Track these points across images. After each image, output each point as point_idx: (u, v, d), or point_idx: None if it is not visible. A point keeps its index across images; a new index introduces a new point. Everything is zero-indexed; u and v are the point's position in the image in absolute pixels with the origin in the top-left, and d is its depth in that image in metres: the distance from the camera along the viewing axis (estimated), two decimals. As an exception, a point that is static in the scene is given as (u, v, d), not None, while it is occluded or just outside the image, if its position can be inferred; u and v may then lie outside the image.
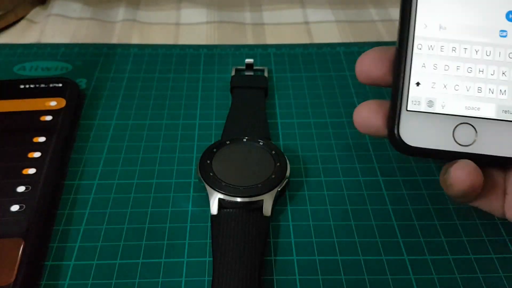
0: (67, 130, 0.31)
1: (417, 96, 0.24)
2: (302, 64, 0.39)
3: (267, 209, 0.26)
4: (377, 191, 0.29)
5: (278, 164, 0.28)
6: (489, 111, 0.24)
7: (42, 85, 0.34)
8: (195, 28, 0.45)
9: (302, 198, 0.29)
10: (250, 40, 0.44)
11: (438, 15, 0.25)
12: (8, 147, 0.29)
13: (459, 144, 0.24)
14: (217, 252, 0.24)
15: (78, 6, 0.47)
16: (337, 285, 0.24)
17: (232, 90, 0.36)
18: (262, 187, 0.27)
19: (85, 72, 0.38)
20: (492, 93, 0.24)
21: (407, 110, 0.24)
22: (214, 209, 0.26)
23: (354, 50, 0.41)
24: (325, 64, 0.39)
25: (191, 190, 0.29)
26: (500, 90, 0.24)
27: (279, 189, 0.27)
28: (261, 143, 0.30)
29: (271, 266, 0.25)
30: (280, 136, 0.33)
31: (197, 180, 0.29)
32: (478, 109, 0.24)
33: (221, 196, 0.26)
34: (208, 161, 0.28)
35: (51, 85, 0.34)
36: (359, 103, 0.28)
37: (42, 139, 0.29)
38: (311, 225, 0.27)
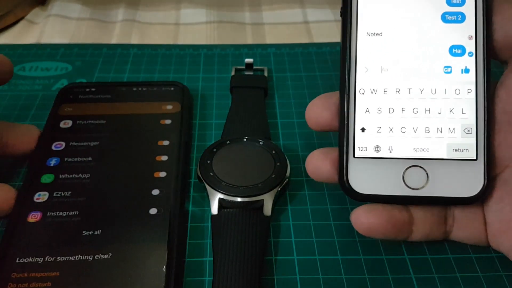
0: (187, 133, 0.31)
1: (363, 142, 0.23)
2: (302, 64, 0.40)
3: (267, 209, 0.26)
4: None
5: (278, 164, 0.28)
6: (439, 151, 0.23)
7: (155, 88, 0.34)
8: (194, 28, 0.45)
9: (303, 198, 0.29)
10: (249, 40, 0.44)
11: (379, 57, 0.24)
12: (137, 150, 0.29)
13: (410, 188, 0.23)
14: (217, 252, 0.24)
15: (78, 6, 0.47)
16: (338, 284, 0.24)
17: (232, 90, 0.36)
18: (262, 187, 0.27)
19: (85, 73, 0.38)
20: (441, 132, 0.23)
21: (354, 157, 0.23)
22: (214, 209, 0.26)
23: (353, 49, 0.41)
24: (325, 64, 0.39)
25: (191, 190, 0.29)
26: (449, 128, 0.23)
27: (279, 189, 0.27)
28: (261, 143, 0.30)
29: (271, 266, 0.25)
30: (280, 135, 0.33)
31: (197, 180, 0.29)
32: (428, 150, 0.23)
33: (221, 196, 0.26)
34: (208, 161, 0.28)
35: (163, 89, 0.34)
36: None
37: (166, 142, 0.30)
38: (312, 224, 0.27)
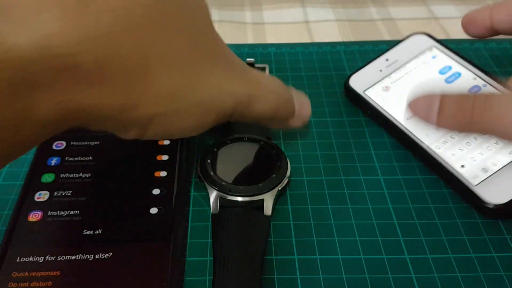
0: None
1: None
2: (303, 63, 0.39)
3: (267, 208, 0.26)
4: (378, 190, 0.29)
5: (278, 163, 0.28)
6: None
7: None
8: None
9: (303, 197, 0.29)
10: (250, 39, 0.43)
11: None
12: (137, 150, 0.29)
13: None
14: (217, 251, 0.24)
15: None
16: (338, 284, 0.24)
17: None
18: (262, 187, 0.27)
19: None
20: None
21: (475, 186, 0.27)
22: (214, 208, 0.26)
23: (354, 49, 0.41)
24: (325, 63, 0.39)
25: (192, 190, 0.29)
26: None
27: (279, 188, 0.27)
28: (262, 143, 0.30)
29: (272, 265, 0.25)
30: (281, 135, 0.33)
31: (197, 179, 0.29)
32: None
33: (222, 195, 0.26)
34: (209, 161, 0.28)
35: None
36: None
37: (167, 141, 0.30)
38: (312, 224, 0.27)
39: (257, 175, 0.28)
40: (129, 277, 0.23)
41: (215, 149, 0.29)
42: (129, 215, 0.26)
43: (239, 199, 0.26)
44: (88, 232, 0.25)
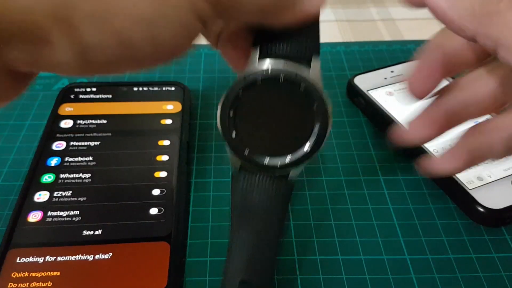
0: (188, 133, 0.31)
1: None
2: (303, 64, 0.39)
3: (293, 177, 0.23)
4: (378, 190, 0.29)
5: (316, 126, 0.22)
6: None
7: (155, 88, 0.34)
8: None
9: (303, 198, 0.29)
10: (250, 39, 0.43)
11: None
12: (137, 150, 0.29)
13: None
14: (235, 215, 0.22)
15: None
16: (339, 284, 0.24)
17: None
18: (292, 161, 0.22)
19: (86, 72, 0.38)
20: None
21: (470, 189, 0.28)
22: (234, 168, 0.22)
23: (354, 49, 0.41)
24: (325, 64, 0.39)
25: (192, 190, 0.29)
26: None
27: (310, 159, 0.22)
28: (303, 86, 0.21)
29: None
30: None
31: (197, 179, 0.29)
32: None
33: (243, 162, 0.22)
34: (232, 113, 0.22)
35: (164, 88, 0.34)
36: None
37: (166, 142, 0.30)
38: (312, 224, 0.27)
39: (288, 142, 0.22)
40: (129, 277, 0.23)
41: (241, 93, 0.22)
42: (129, 216, 0.26)
43: (264, 170, 0.22)
44: (88, 233, 0.25)
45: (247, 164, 0.22)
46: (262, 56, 0.21)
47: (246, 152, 0.22)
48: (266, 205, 0.22)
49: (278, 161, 0.22)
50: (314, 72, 0.22)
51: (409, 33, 0.44)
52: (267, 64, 0.21)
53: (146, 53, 0.16)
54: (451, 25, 0.20)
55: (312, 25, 0.22)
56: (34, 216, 0.25)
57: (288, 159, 0.22)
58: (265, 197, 0.22)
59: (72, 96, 0.33)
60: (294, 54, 0.21)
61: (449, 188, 0.28)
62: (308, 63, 0.22)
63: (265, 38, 0.21)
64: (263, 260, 0.21)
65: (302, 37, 0.22)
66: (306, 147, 0.22)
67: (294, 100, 0.22)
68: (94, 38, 0.15)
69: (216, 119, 0.22)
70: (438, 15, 0.21)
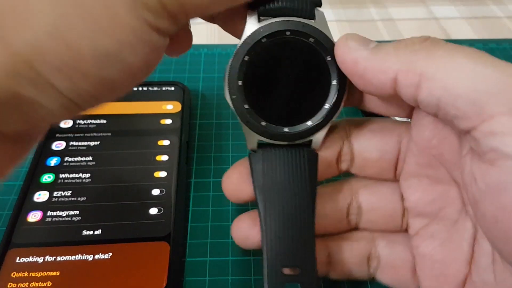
0: (187, 133, 0.31)
1: None
2: (303, 64, 0.39)
3: (316, 144, 0.21)
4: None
5: (334, 81, 0.20)
6: None
7: (155, 88, 0.34)
8: (195, 27, 0.45)
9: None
10: (250, 39, 0.43)
11: None
12: (137, 150, 0.29)
13: None
14: (262, 199, 0.20)
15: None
16: (340, 284, 0.24)
17: None
18: (313, 127, 0.20)
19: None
20: None
21: None
22: (252, 146, 0.21)
23: (354, 49, 0.41)
24: (325, 64, 0.39)
25: (192, 190, 0.29)
26: None
27: (333, 120, 0.21)
28: (312, 40, 0.19)
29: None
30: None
31: (197, 179, 0.29)
32: None
33: (260, 138, 0.21)
34: (240, 82, 0.20)
35: (163, 88, 0.34)
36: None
37: (166, 142, 0.30)
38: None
39: (306, 106, 0.20)
40: (128, 277, 0.23)
41: (247, 58, 0.20)
42: (128, 216, 0.26)
43: (283, 143, 0.21)
44: (87, 233, 0.25)
45: (265, 137, 0.20)
46: (262, 18, 0.20)
47: (263, 123, 0.20)
48: (294, 180, 0.20)
49: (299, 128, 0.20)
50: (320, 23, 0.20)
51: (409, 33, 0.44)
52: (269, 22, 0.19)
53: (123, 82, 0.16)
54: (373, 73, 0.18)
55: None
56: (34, 216, 0.25)
57: (309, 123, 0.20)
58: (291, 171, 0.21)
59: None
60: (295, 8, 0.20)
61: None
62: (311, 16, 0.20)
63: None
64: (303, 242, 0.20)
65: None
66: (326, 105, 0.20)
67: (304, 56, 0.20)
68: (67, 84, 0.15)
69: (224, 92, 0.20)
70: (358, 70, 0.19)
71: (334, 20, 0.46)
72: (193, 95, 0.36)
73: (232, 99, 0.20)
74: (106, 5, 0.14)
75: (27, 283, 0.22)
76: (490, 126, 0.16)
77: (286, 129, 0.20)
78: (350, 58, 0.19)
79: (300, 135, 0.20)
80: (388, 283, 0.23)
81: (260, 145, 0.21)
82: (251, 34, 0.19)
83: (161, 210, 0.26)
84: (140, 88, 0.34)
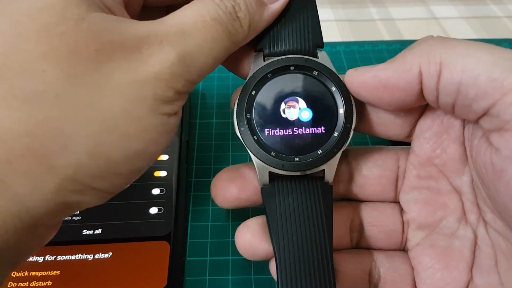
0: (188, 132, 0.31)
1: None
2: (302, 63, 0.39)
3: (330, 175, 0.21)
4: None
5: (341, 110, 0.21)
6: None
7: None
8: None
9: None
10: (250, 39, 0.43)
11: None
12: None
13: None
14: (276, 232, 0.20)
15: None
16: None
17: None
18: (323, 156, 0.20)
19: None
20: None
21: None
22: (264, 180, 0.21)
23: (354, 49, 0.41)
24: (325, 63, 0.39)
25: (192, 189, 0.29)
26: None
27: (344, 149, 0.21)
28: (315, 73, 0.21)
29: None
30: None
31: (197, 179, 0.29)
32: None
33: (272, 170, 0.20)
34: (248, 115, 0.21)
35: None
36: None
37: None
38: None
39: (313, 131, 0.21)
40: (128, 276, 0.23)
41: (254, 93, 0.21)
42: (129, 215, 0.26)
43: (295, 173, 0.21)
44: (87, 232, 0.25)
45: (276, 168, 0.20)
46: (267, 58, 0.21)
47: (273, 154, 0.20)
48: (309, 213, 0.20)
49: (309, 157, 0.20)
50: (323, 59, 0.21)
51: (408, 33, 0.44)
52: (274, 59, 0.21)
53: (148, 166, 0.19)
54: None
55: (309, 18, 0.22)
56: None
57: (319, 151, 0.20)
58: (305, 204, 0.20)
59: None
60: (297, 49, 0.21)
61: None
62: (314, 55, 0.21)
63: (265, 41, 0.21)
64: (321, 276, 0.19)
65: (303, 32, 0.21)
66: (335, 133, 0.20)
67: (309, 88, 0.21)
68: (105, 184, 0.17)
69: (231, 124, 0.21)
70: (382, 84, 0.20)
71: (334, 20, 0.46)
72: (193, 94, 0.36)
73: (240, 132, 0.20)
74: (131, 114, 0.16)
75: (27, 283, 0.22)
76: (511, 98, 0.17)
77: (296, 159, 0.20)
78: (369, 75, 0.20)
79: (311, 164, 0.20)
80: None
81: (272, 179, 0.21)
82: (257, 70, 0.21)
83: (161, 209, 0.26)
84: None
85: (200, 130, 0.33)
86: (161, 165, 0.28)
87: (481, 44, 0.18)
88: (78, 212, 0.26)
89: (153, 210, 0.26)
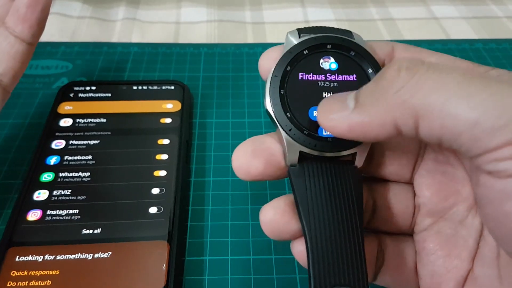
0: (187, 132, 0.31)
1: None
2: (302, 63, 0.39)
3: (360, 160, 0.20)
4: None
5: None
6: None
7: (155, 87, 0.34)
8: (195, 26, 0.45)
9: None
10: (250, 39, 0.43)
11: None
12: (137, 149, 0.29)
13: None
14: (307, 215, 0.19)
15: (78, 4, 0.47)
16: None
17: None
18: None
19: (85, 71, 0.38)
20: None
21: None
22: (293, 159, 0.20)
23: (354, 49, 0.41)
24: (325, 63, 0.39)
25: (192, 189, 0.29)
26: None
27: None
28: (352, 54, 0.20)
29: (271, 265, 0.25)
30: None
31: (197, 179, 0.29)
32: None
33: (303, 149, 0.20)
34: (282, 91, 0.20)
35: (163, 87, 0.34)
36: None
37: (166, 141, 0.30)
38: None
39: None
40: (128, 276, 0.23)
41: (289, 68, 0.20)
42: (128, 215, 0.26)
43: (327, 154, 0.20)
44: (87, 231, 0.25)
45: (309, 147, 0.19)
46: (302, 35, 0.21)
47: (306, 132, 0.19)
48: (340, 195, 0.19)
49: (344, 143, 0.19)
50: (359, 40, 0.21)
51: (409, 33, 0.44)
52: (311, 36, 0.20)
53: None
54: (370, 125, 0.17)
55: None
56: (34, 215, 0.25)
57: None
58: (336, 186, 0.20)
59: (71, 95, 0.33)
60: (334, 29, 0.21)
61: None
62: (350, 37, 0.21)
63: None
64: (353, 260, 0.19)
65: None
66: None
67: (345, 68, 0.20)
68: None
69: (262, 99, 0.20)
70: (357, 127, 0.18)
71: (334, 19, 0.46)
72: (193, 94, 0.36)
73: (274, 108, 0.20)
74: None
75: (27, 282, 0.22)
76: (496, 155, 0.15)
77: (329, 139, 0.19)
78: (343, 126, 0.18)
79: (344, 145, 0.19)
80: (390, 285, 0.22)
81: (300, 160, 0.20)
82: (294, 46, 0.20)
83: (161, 209, 0.26)
84: (140, 87, 0.34)
85: (200, 130, 0.33)
86: (161, 165, 0.28)
87: (460, 86, 0.16)
88: (77, 211, 0.26)
89: (153, 210, 0.26)
